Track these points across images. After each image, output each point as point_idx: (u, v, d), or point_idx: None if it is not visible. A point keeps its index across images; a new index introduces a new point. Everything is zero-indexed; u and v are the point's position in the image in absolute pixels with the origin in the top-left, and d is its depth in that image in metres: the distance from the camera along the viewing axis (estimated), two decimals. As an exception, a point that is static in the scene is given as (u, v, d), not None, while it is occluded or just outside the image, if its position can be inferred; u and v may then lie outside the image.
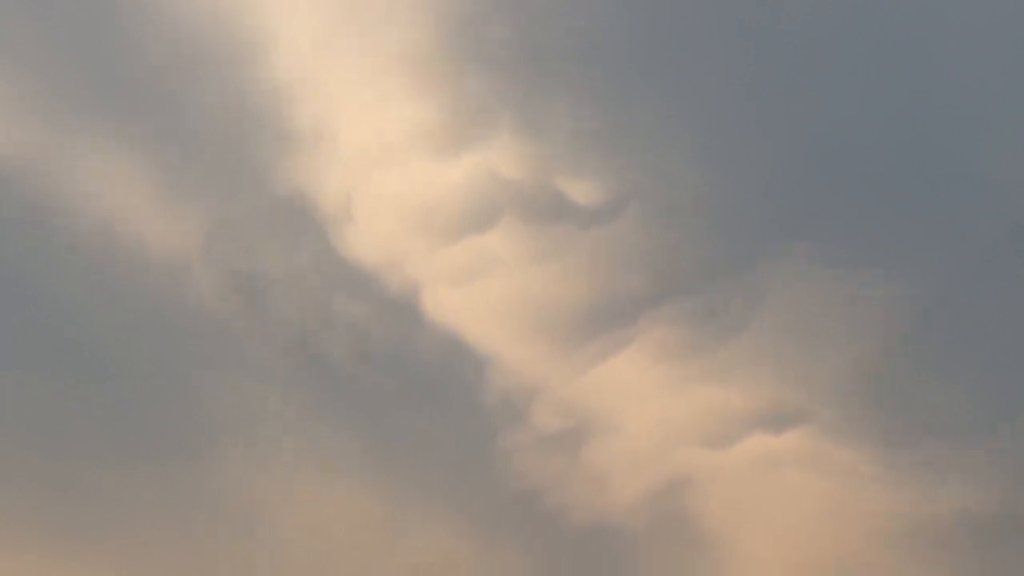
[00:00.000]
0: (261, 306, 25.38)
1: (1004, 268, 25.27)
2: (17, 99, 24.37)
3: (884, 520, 24.97)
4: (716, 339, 25.63)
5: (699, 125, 25.61)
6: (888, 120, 25.51)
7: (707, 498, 25.52)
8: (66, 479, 23.84)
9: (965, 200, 25.09)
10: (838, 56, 25.47)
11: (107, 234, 24.62)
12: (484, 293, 25.77)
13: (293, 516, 24.82)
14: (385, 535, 25.07)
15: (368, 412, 25.36)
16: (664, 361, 25.72)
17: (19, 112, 24.46)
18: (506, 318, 25.89)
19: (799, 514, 25.20)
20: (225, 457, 24.69)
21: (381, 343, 25.70)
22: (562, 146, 25.76)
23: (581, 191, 25.62)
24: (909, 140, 25.36)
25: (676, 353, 25.69)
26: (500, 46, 25.54)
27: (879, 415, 25.29)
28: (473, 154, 25.49)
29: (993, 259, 25.28)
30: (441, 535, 24.95)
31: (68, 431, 24.00)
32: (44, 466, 23.75)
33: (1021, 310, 25.05)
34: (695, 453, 25.63)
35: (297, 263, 25.48)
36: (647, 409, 25.89)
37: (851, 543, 24.96)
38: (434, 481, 25.27)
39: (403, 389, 25.57)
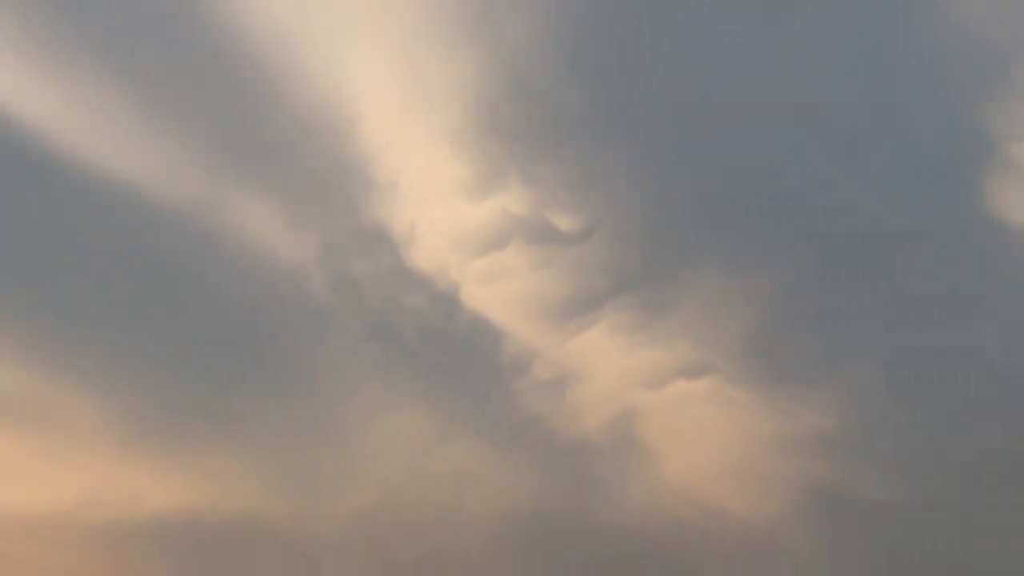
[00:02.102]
0: (356, 299, 28.54)
1: (838, 264, 28.55)
2: (196, 158, 27.84)
3: (765, 436, 28.57)
4: (654, 318, 28.90)
5: (646, 178, 29.29)
6: (758, 179, 29.19)
7: (648, 424, 28.82)
8: (228, 410, 27.76)
9: (813, 223, 28.86)
10: (741, 135, 28.70)
11: (253, 252, 28.32)
12: (502, 291, 28.72)
13: (372, 433, 28.05)
14: (431, 447, 28.04)
15: (424, 368, 28.60)
16: (620, 334, 28.91)
17: (195, 168, 28.02)
18: (516, 307, 28.86)
19: (709, 434, 28.73)
20: (331, 397, 28.29)
21: (434, 323, 28.71)
22: (551, 192, 28.98)
23: (565, 222, 28.88)
24: (773, 190, 29.08)
25: (628, 328, 28.90)
26: (511, 123, 28.87)
27: (762, 366, 28.88)
28: (493, 198, 28.59)
29: (831, 258, 28.65)
30: (471, 447, 28.14)
31: (228, 380, 28.00)
32: (215, 401, 27.77)
33: (852, 292, 28.59)
34: (640, 393, 28.85)
35: (379, 270, 28.60)
36: (609, 365, 29.00)
37: (743, 453, 28.68)
38: (467, 412, 28.46)
39: (448, 353, 28.75)
